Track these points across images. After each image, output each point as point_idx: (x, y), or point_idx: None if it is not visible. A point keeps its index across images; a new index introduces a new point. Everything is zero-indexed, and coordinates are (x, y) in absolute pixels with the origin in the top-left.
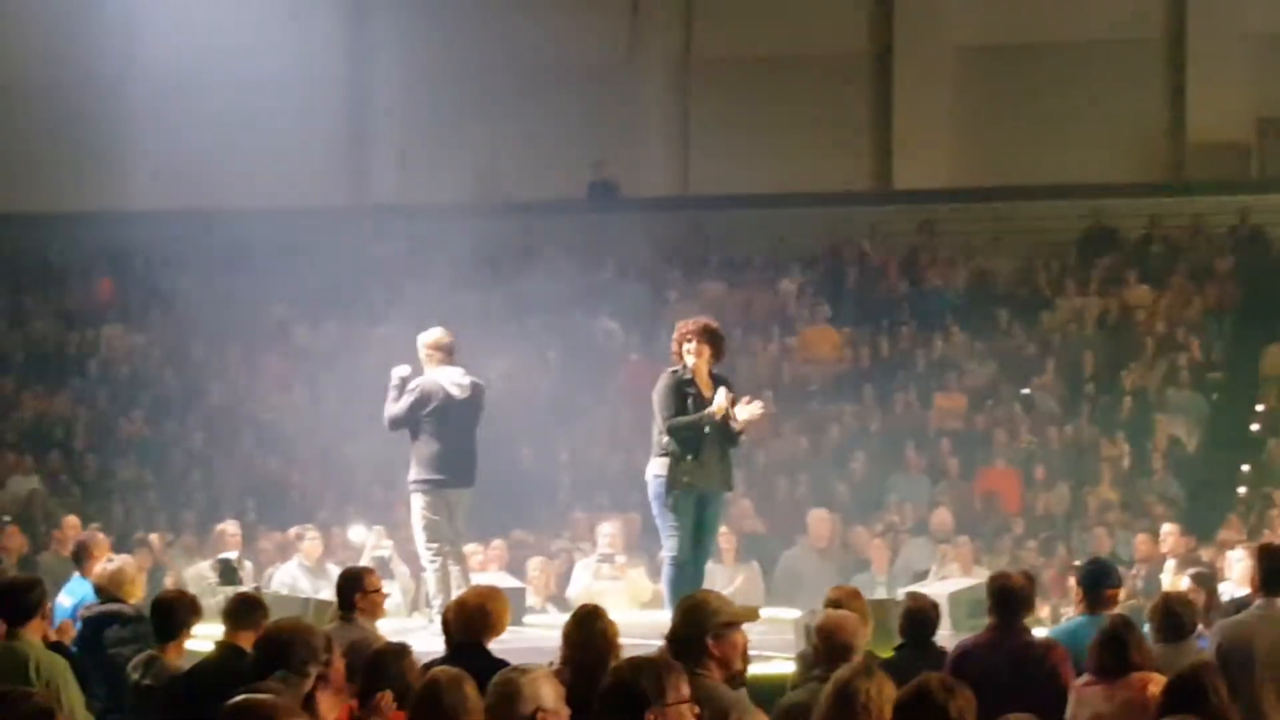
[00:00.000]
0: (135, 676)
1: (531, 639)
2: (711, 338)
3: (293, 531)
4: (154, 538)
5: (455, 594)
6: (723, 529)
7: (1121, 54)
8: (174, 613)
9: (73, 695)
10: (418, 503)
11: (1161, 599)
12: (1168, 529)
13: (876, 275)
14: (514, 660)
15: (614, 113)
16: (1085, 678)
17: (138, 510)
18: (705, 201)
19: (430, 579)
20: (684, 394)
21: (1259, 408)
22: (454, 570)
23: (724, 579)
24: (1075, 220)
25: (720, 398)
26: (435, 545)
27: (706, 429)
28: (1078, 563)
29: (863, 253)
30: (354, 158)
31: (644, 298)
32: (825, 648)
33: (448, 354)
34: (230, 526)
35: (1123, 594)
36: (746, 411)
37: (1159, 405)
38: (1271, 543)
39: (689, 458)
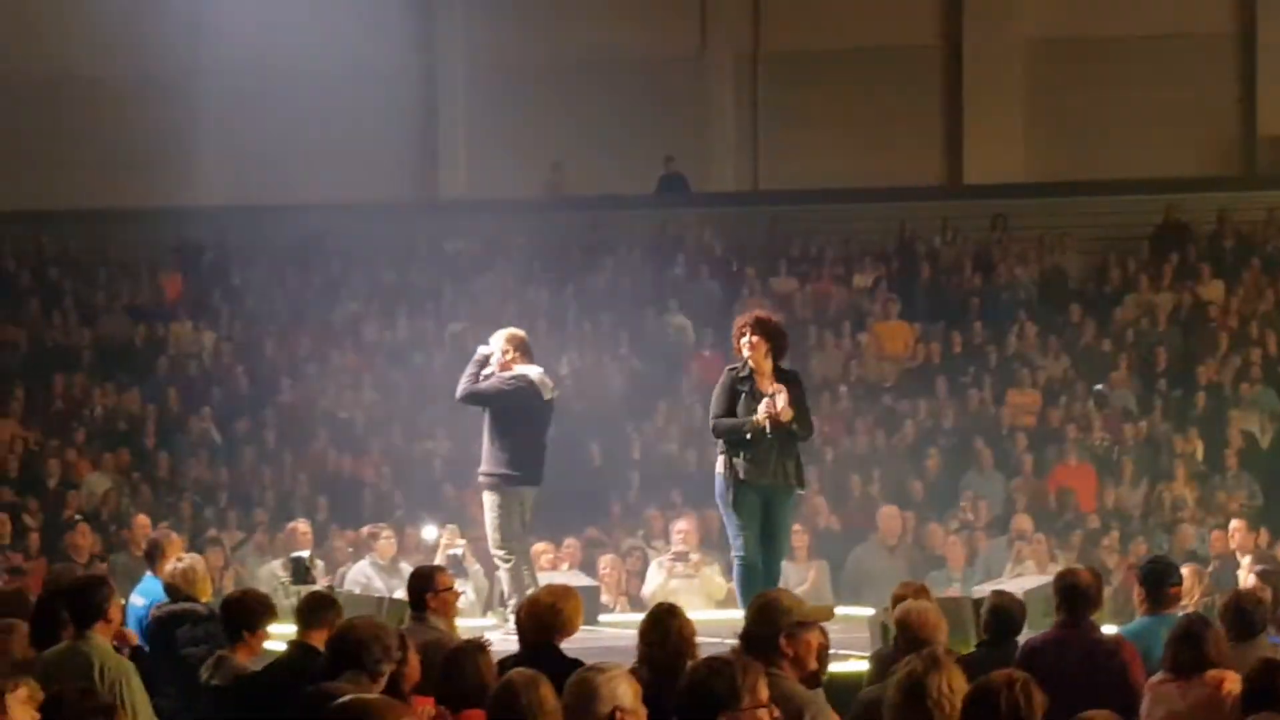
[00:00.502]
0: (205, 677)
1: (605, 638)
2: (764, 329)
3: (365, 530)
4: (225, 537)
5: (529, 593)
6: (796, 526)
7: (1192, 47)
8: (244, 613)
9: (137, 698)
10: (492, 500)
11: (1232, 596)
12: (1235, 525)
13: (949, 270)
14: (588, 659)
15: (684, 108)
16: (1160, 675)
17: (209, 509)
18: (776, 197)
19: (504, 577)
20: (736, 391)
21: None
22: (523, 569)
23: (796, 577)
24: (1147, 215)
25: (762, 409)
26: (509, 544)
27: (748, 435)
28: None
29: (934, 248)
30: (424, 153)
31: (715, 294)
32: (906, 641)
33: (529, 352)
34: (302, 525)
35: (1198, 591)
36: (763, 409)
37: (1232, 401)
38: None
39: (742, 455)
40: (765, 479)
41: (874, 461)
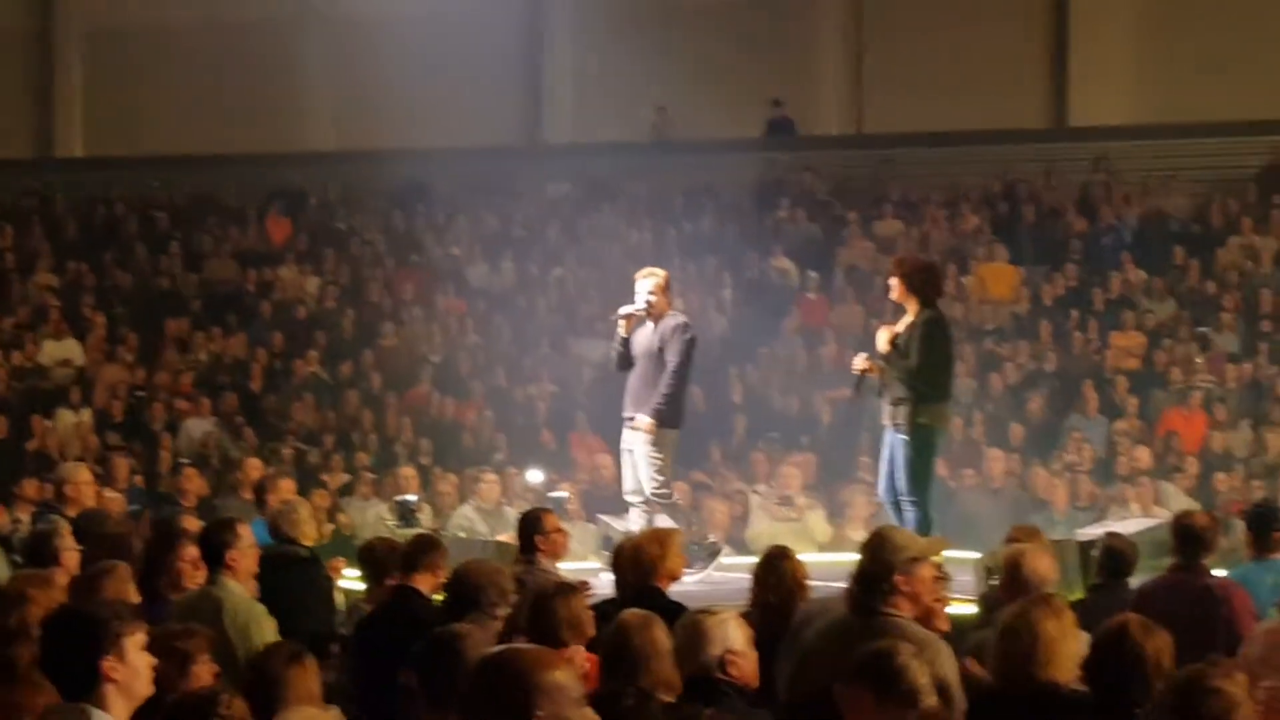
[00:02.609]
0: (338, 624)
1: (710, 581)
2: (899, 269)
3: (468, 474)
4: (330, 480)
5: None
6: None
7: None
8: (378, 563)
9: (267, 641)
10: (651, 441)
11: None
12: None
13: (1053, 213)
14: (692, 603)
15: (788, 51)
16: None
17: (313, 452)
18: (881, 140)
19: (666, 518)
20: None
21: None
22: (680, 508)
23: None
24: (1253, 157)
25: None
26: (668, 488)
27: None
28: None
29: (1037, 191)
30: (528, 97)
31: (818, 237)
32: (1014, 584)
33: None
34: (407, 469)
35: None
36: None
37: None
38: None
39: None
40: (884, 420)
41: (976, 404)
